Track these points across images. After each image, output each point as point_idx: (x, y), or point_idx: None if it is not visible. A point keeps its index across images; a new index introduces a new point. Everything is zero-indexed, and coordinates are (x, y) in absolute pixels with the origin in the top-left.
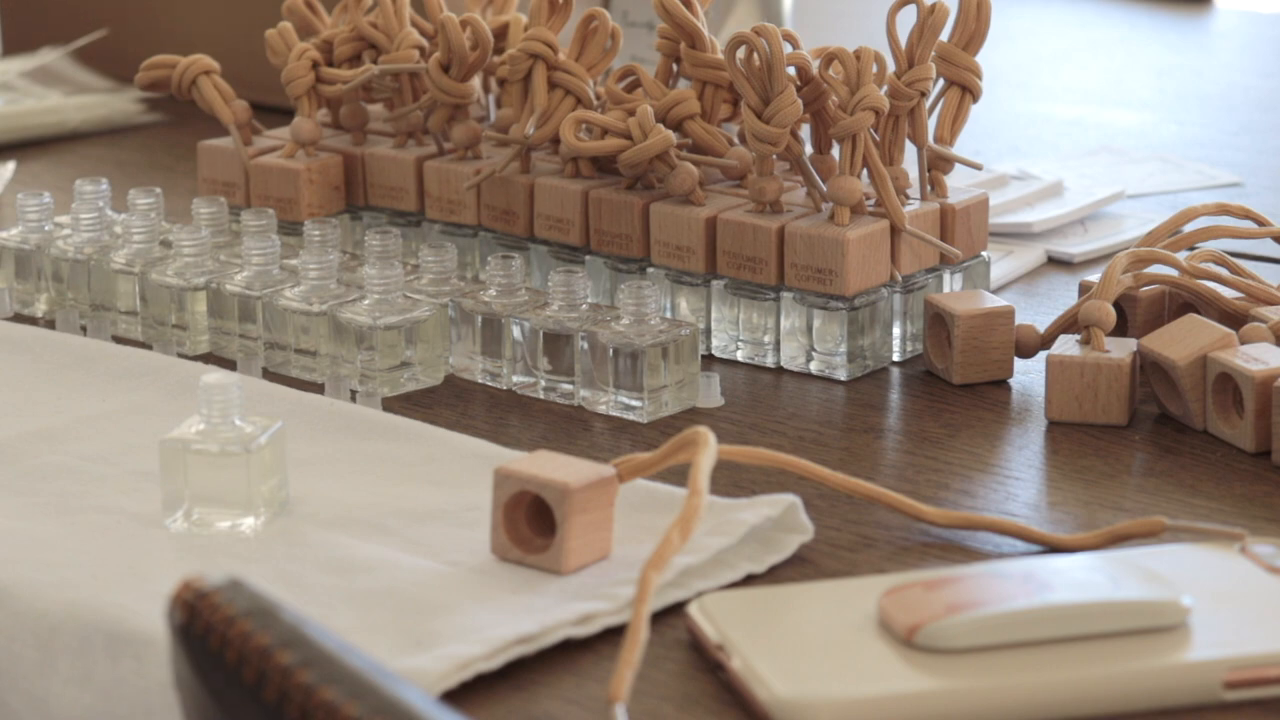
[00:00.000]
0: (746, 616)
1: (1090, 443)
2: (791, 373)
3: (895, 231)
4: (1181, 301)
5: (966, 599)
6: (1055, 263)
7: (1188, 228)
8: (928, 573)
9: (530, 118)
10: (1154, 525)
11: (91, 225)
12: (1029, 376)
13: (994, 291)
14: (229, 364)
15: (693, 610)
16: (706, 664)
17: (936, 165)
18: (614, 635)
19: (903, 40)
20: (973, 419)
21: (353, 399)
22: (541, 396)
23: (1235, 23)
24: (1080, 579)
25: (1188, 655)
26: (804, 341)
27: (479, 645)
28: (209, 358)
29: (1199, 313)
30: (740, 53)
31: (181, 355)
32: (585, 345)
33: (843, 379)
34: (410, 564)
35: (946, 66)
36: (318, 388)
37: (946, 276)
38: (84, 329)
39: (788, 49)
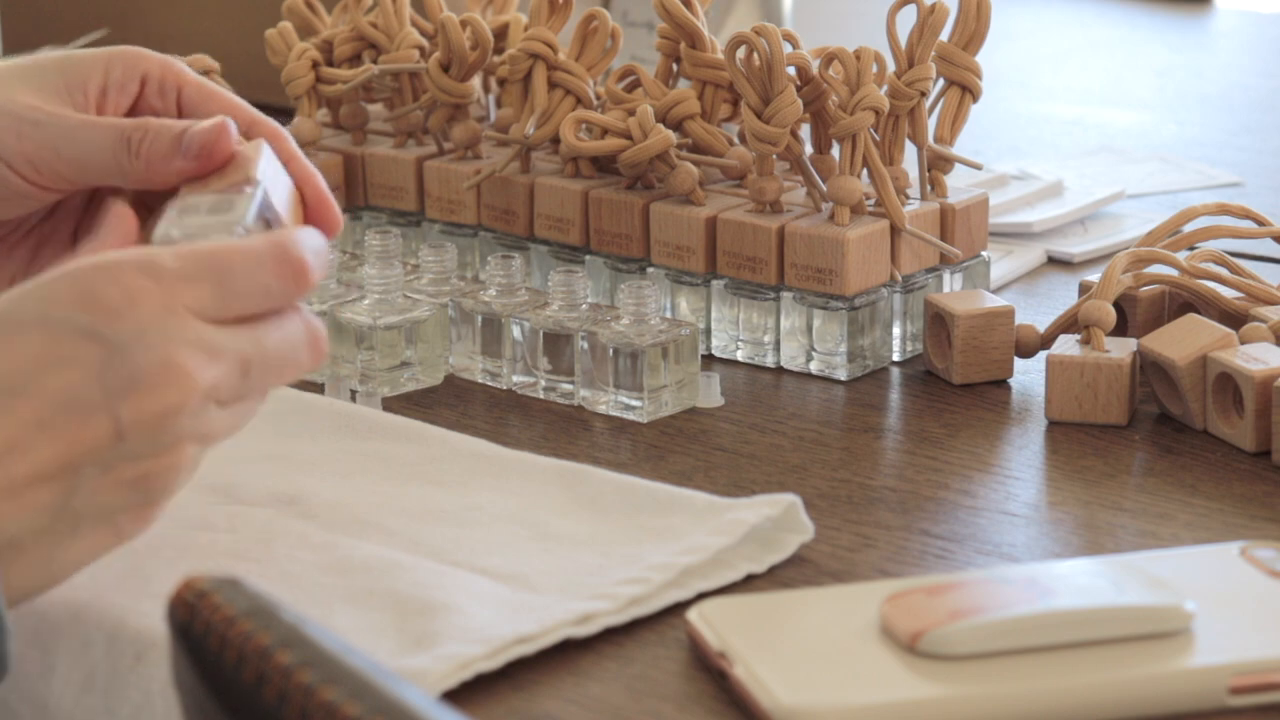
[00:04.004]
0: (748, 623)
1: (1090, 443)
2: (791, 373)
3: (895, 231)
4: (1181, 301)
5: (969, 605)
6: (1055, 263)
7: (1188, 228)
8: (930, 578)
9: (530, 118)
10: None
11: None
12: (1029, 376)
13: (994, 291)
14: None
15: (693, 617)
16: (707, 668)
17: (936, 165)
18: (614, 635)
19: (903, 40)
20: (973, 419)
21: (353, 399)
22: (541, 396)
23: (1235, 23)
24: (1083, 584)
25: (1192, 661)
26: (804, 341)
27: (479, 645)
28: None
29: (1199, 313)
30: (740, 53)
31: None
32: (585, 345)
33: (843, 379)
34: (410, 564)
35: (946, 66)
36: (318, 388)
37: (946, 276)
38: None
39: (788, 49)
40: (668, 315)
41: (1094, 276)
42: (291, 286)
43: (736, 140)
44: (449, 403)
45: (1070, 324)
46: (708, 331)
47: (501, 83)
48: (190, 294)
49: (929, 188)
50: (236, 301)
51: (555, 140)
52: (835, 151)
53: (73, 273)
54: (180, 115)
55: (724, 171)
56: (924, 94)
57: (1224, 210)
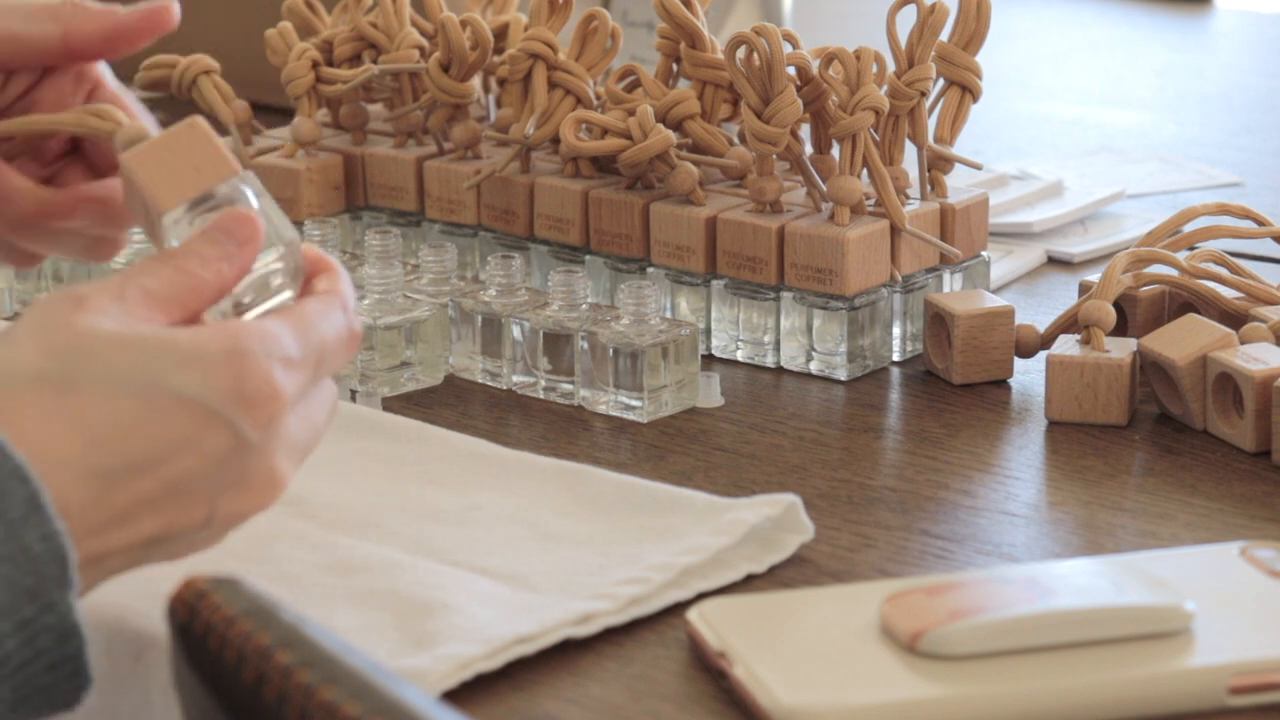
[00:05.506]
0: (748, 623)
1: (1090, 443)
2: (791, 373)
3: (895, 231)
4: (1181, 301)
5: (969, 605)
6: (1055, 263)
7: (1188, 228)
8: (930, 578)
9: (530, 118)
10: None
11: None
12: (1029, 376)
13: (994, 291)
14: None
15: (693, 617)
16: (707, 668)
17: (936, 165)
18: (614, 635)
19: (903, 40)
20: (973, 419)
21: (353, 399)
22: (541, 396)
23: (1235, 23)
24: (1083, 584)
25: (1192, 661)
26: (804, 341)
27: (479, 645)
28: None
29: (1199, 313)
30: (740, 53)
31: None
32: (585, 345)
33: (843, 379)
34: (410, 564)
35: (946, 66)
36: None
37: (946, 276)
38: None
39: (788, 49)
40: (668, 315)
41: (1094, 276)
42: (348, 360)
43: (736, 140)
44: (449, 403)
45: (1070, 324)
46: (708, 331)
47: (501, 83)
48: (300, 384)
49: (929, 188)
50: (316, 382)
51: (555, 140)
52: (835, 151)
53: (227, 356)
54: None
55: (724, 171)
56: (924, 94)
57: (1224, 210)
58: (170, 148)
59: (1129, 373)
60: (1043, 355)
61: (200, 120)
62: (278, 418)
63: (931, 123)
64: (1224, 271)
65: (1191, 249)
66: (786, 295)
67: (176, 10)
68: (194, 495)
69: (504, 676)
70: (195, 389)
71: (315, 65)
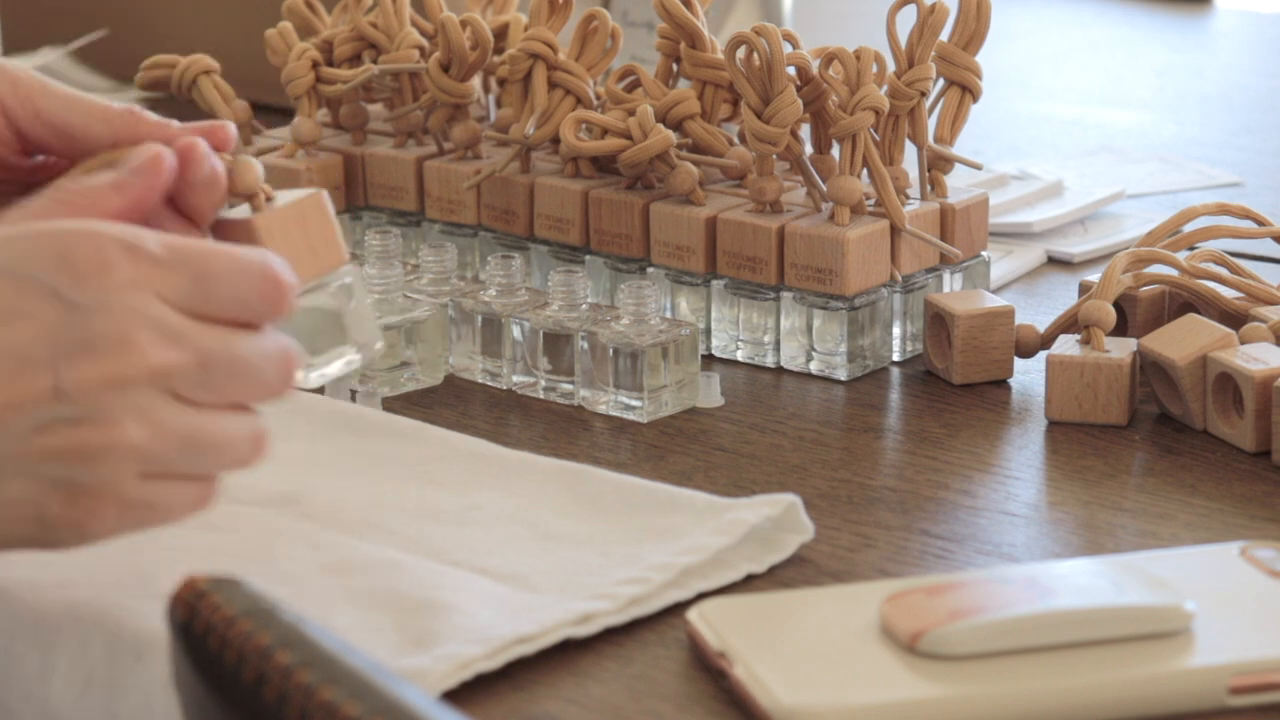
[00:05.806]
0: (748, 623)
1: (1090, 443)
2: (791, 373)
3: (895, 231)
4: (1181, 301)
5: (969, 605)
6: (1055, 263)
7: (1188, 228)
8: (930, 578)
9: (530, 118)
10: None
11: None
12: (1029, 376)
13: (994, 291)
14: None
15: (693, 617)
16: (707, 668)
17: (936, 165)
18: (614, 635)
19: (903, 40)
20: (973, 419)
21: (353, 399)
22: (541, 396)
23: (1235, 23)
24: (1083, 584)
25: (1192, 661)
26: (804, 341)
27: (479, 645)
28: None
29: (1199, 313)
30: (740, 53)
31: None
32: (585, 345)
33: (843, 379)
34: (410, 564)
35: (946, 66)
36: (318, 388)
37: (946, 276)
38: None
39: (788, 49)
40: (668, 315)
41: (1094, 276)
42: (268, 305)
43: (736, 140)
44: (449, 403)
45: (1070, 324)
46: (708, 331)
47: (501, 83)
48: (165, 280)
49: (929, 188)
50: (211, 301)
51: (555, 140)
52: (835, 151)
53: (54, 231)
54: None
55: (724, 171)
56: (924, 94)
57: (1224, 210)
58: (296, 221)
59: (1129, 373)
60: (1043, 355)
61: (324, 196)
62: (116, 285)
63: (931, 123)
64: (1224, 271)
65: (1191, 249)
66: (786, 295)
67: (234, 131)
68: (28, 363)
69: (504, 676)
70: (6, 259)
71: (315, 65)
